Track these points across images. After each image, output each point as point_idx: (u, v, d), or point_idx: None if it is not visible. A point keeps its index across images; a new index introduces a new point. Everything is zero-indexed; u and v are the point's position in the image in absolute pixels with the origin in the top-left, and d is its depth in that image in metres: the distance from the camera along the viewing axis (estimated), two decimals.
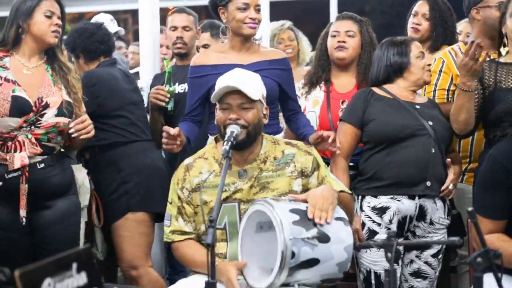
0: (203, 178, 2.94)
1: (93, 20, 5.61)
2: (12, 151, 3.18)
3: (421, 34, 4.21)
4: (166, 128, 3.22)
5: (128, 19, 12.15)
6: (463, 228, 3.51)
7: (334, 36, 3.84)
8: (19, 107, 3.17)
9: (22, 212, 3.20)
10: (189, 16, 4.34)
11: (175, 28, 4.28)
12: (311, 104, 3.85)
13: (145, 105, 4.14)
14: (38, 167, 3.22)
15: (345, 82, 3.83)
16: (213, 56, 3.59)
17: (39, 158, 3.23)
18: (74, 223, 3.39)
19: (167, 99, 3.96)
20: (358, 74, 3.81)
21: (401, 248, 3.23)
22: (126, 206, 3.71)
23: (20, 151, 3.18)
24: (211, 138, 3.54)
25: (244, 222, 2.76)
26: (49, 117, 3.22)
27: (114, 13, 10.85)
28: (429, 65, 3.56)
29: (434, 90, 3.78)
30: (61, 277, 1.71)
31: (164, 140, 3.22)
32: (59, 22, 3.29)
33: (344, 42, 3.80)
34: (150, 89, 4.10)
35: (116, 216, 3.73)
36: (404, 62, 3.49)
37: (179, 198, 2.98)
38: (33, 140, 3.20)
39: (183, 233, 2.98)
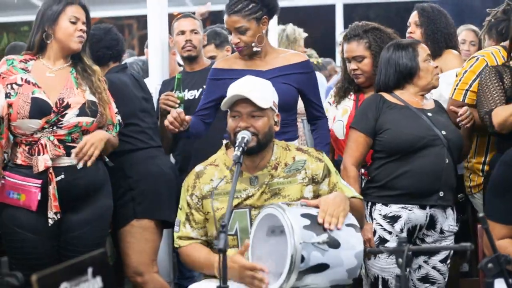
0: (214, 185, 2.93)
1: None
2: (36, 154, 3.22)
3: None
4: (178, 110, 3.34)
5: (133, 24, 12.17)
6: (469, 233, 3.52)
7: (348, 61, 3.82)
8: (38, 108, 3.21)
9: (50, 214, 3.23)
10: (195, 20, 4.38)
11: (183, 32, 4.29)
12: (341, 113, 3.84)
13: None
14: (78, 167, 3.26)
15: (372, 93, 3.74)
16: (234, 61, 3.61)
17: (74, 160, 3.26)
18: (101, 227, 3.43)
19: (176, 105, 3.97)
20: (375, 88, 3.69)
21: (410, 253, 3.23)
22: (132, 213, 3.72)
23: (43, 153, 3.21)
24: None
25: (256, 225, 2.77)
26: (71, 117, 3.25)
27: (118, 18, 10.90)
28: (437, 67, 3.52)
29: (467, 90, 3.71)
30: (77, 282, 1.72)
31: (170, 119, 3.32)
32: (84, 27, 3.33)
33: (356, 69, 3.76)
34: (159, 95, 4.11)
35: (121, 222, 3.74)
36: (414, 67, 3.44)
37: (188, 204, 2.98)
38: (56, 142, 3.24)
39: (189, 238, 2.99)
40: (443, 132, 3.37)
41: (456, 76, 3.81)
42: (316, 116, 3.64)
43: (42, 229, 3.25)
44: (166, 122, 3.34)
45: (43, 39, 3.31)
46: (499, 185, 2.91)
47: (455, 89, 3.75)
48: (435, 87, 3.53)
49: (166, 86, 4.20)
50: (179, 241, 2.99)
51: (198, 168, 3.06)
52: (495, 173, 2.99)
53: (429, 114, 3.43)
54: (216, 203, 2.90)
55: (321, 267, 2.61)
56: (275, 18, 4.89)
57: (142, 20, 4.91)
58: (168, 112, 4.00)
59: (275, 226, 2.72)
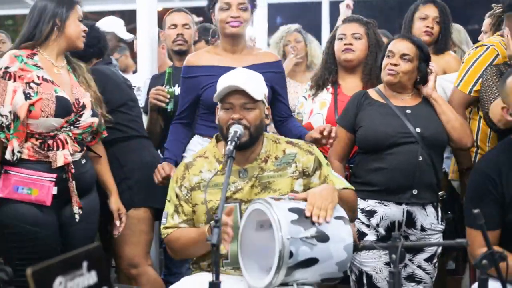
0: (203, 177, 2.92)
1: (100, 23, 5.61)
2: (54, 149, 3.17)
3: (433, 38, 4.18)
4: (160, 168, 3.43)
5: None
6: (458, 231, 3.51)
7: (341, 38, 3.82)
8: (63, 107, 3.17)
9: (76, 209, 3.21)
10: (187, 15, 4.38)
11: (175, 26, 4.28)
12: (318, 106, 3.84)
13: (143, 105, 4.13)
14: (82, 162, 3.25)
15: (352, 85, 3.80)
16: (206, 57, 3.58)
17: (78, 155, 3.25)
18: (93, 221, 3.40)
19: (167, 100, 3.95)
20: (363, 75, 3.79)
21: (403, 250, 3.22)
22: (129, 202, 3.67)
23: (63, 149, 3.17)
24: (197, 137, 3.55)
25: (244, 220, 2.75)
26: (87, 118, 3.25)
27: (105, 13, 10.82)
28: (390, 64, 3.44)
29: (476, 82, 3.63)
30: (72, 276, 1.69)
31: (158, 179, 3.41)
32: (86, 28, 3.36)
33: (350, 44, 3.78)
34: (149, 89, 4.09)
35: None
36: (379, 64, 3.50)
37: (177, 196, 2.96)
38: (73, 138, 3.22)
39: (177, 228, 2.96)
40: (418, 130, 3.35)
41: (463, 63, 3.74)
42: (287, 114, 3.64)
43: (52, 225, 3.20)
44: (156, 181, 3.45)
45: (50, 32, 3.26)
46: (475, 193, 2.94)
47: (461, 80, 3.68)
48: (387, 83, 3.47)
49: (157, 80, 4.18)
50: (165, 230, 2.96)
51: (187, 159, 3.04)
52: (470, 182, 3.01)
53: (408, 111, 3.42)
54: (206, 195, 2.87)
55: (310, 262, 2.59)
56: (264, 15, 4.92)
57: (129, 15, 4.85)
58: (158, 107, 3.98)
59: (264, 221, 2.71)
